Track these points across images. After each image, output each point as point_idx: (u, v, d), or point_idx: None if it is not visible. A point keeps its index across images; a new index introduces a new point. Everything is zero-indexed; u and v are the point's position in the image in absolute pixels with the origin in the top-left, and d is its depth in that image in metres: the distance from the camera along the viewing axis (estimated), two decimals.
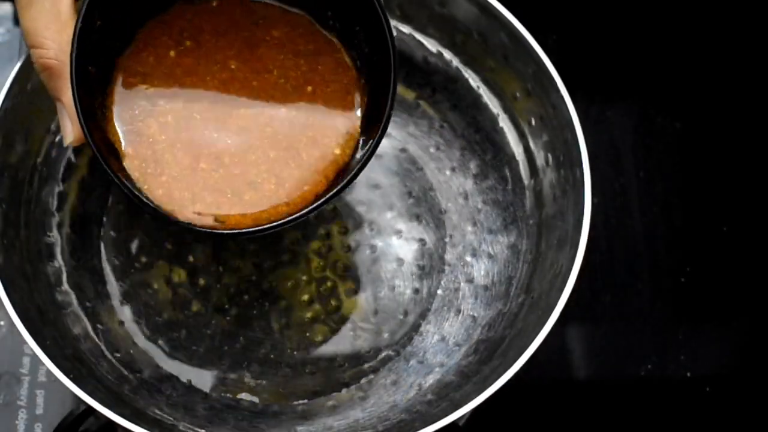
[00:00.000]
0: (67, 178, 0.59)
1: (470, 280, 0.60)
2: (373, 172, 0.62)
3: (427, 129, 0.63)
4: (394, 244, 0.61)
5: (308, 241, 0.61)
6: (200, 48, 0.49)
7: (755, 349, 0.69)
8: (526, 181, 0.59)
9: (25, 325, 0.49)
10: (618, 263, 0.69)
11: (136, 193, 0.46)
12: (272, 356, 0.59)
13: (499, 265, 0.60)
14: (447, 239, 0.61)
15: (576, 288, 0.50)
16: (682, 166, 0.72)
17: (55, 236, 0.58)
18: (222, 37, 0.49)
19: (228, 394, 0.58)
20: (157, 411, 0.54)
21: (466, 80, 0.61)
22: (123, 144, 0.47)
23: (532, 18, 0.55)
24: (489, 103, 0.60)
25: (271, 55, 0.49)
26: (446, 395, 0.55)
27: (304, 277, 0.61)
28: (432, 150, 0.63)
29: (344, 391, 0.58)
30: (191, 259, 0.60)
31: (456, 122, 0.62)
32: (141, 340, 0.58)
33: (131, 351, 0.57)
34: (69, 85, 0.43)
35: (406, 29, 0.61)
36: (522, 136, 0.59)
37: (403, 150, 0.63)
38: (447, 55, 0.60)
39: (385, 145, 0.62)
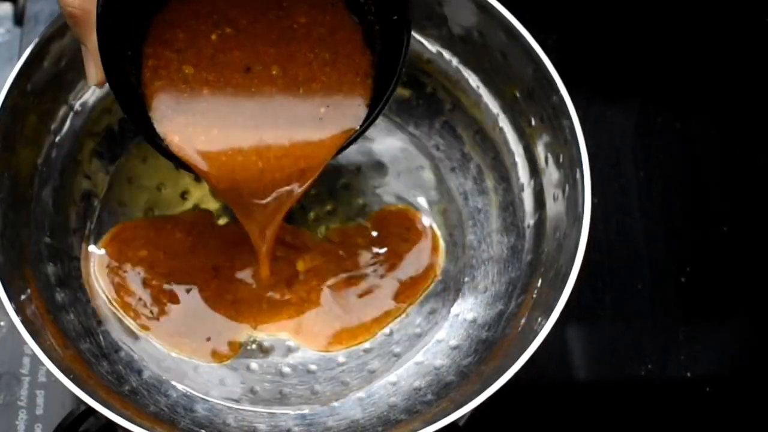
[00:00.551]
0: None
1: (470, 280, 0.60)
2: (373, 171, 0.62)
3: (427, 129, 0.63)
4: None
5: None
6: (237, 27, 0.50)
7: (755, 349, 0.69)
8: (526, 181, 0.59)
9: (25, 325, 0.49)
10: (618, 263, 0.69)
11: (153, 138, 0.48)
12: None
13: (499, 266, 0.60)
14: (447, 239, 0.61)
15: (576, 288, 0.50)
16: (682, 166, 0.72)
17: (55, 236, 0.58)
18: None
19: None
20: (157, 411, 0.54)
21: (466, 80, 0.61)
22: (148, 90, 0.49)
23: (531, 18, 0.55)
24: (489, 103, 0.60)
25: (298, 46, 0.50)
26: (446, 395, 0.55)
27: None
28: (432, 150, 0.63)
29: (344, 391, 0.58)
30: None
31: (456, 122, 0.62)
32: (141, 340, 0.58)
33: (131, 351, 0.57)
34: (94, 31, 0.45)
35: None
36: (522, 136, 0.59)
37: (404, 150, 0.63)
38: (447, 55, 0.60)
39: (385, 144, 0.62)
